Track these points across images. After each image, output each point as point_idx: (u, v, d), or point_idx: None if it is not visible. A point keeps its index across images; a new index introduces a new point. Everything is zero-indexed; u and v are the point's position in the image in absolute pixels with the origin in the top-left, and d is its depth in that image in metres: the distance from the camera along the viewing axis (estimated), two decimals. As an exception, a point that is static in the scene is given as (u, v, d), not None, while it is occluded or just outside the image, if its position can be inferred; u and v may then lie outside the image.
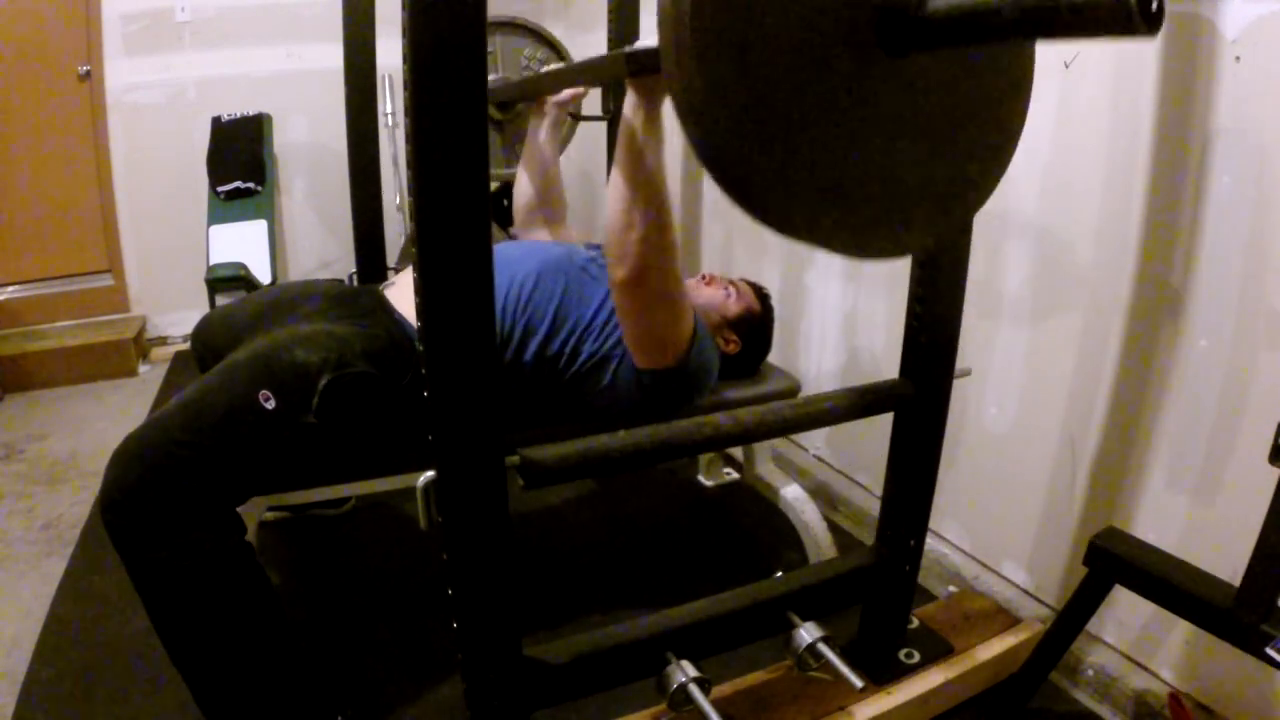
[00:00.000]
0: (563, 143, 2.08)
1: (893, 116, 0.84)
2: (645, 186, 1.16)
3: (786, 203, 0.78)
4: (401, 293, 1.42)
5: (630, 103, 1.15)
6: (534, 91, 1.76)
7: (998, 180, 0.97)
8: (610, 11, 2.09)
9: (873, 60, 0.80)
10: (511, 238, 2.31)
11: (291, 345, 1.22)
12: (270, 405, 1.15)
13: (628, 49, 1.15)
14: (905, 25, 0.78)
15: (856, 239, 0.86)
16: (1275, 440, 0.89)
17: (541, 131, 1.71)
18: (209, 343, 1.49)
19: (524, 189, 1.77)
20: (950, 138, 0.90)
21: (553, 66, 1.74)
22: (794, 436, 2.24)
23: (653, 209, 1.16)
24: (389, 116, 2.94)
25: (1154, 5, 0.61)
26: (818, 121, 0.78)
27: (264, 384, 1.16)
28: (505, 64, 2.18)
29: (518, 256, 1.43)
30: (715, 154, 0.74)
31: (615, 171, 1.18)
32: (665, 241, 1.20)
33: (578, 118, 2.26)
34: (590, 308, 1.38)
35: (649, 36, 1.08)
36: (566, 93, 1.66)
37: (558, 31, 3.41)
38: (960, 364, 1.25)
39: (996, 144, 0.95)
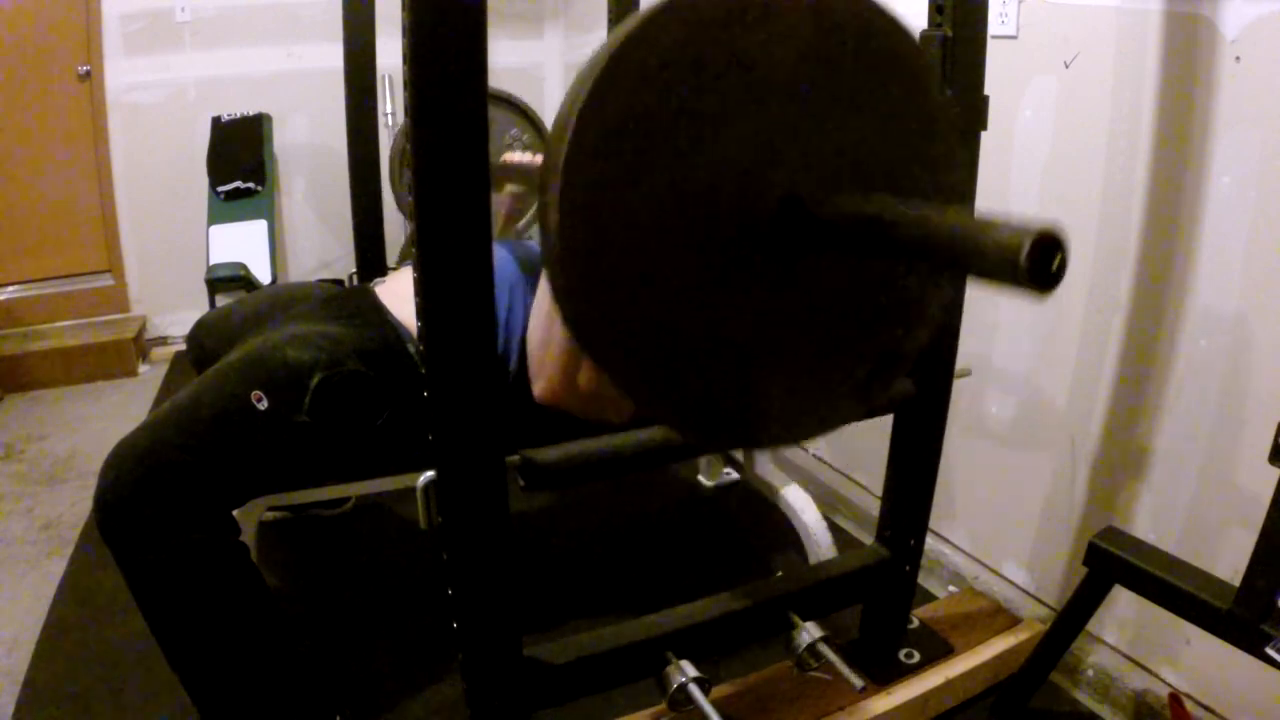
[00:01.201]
0: (521, 233, 2.07)
1: (775, 323, 0.80)
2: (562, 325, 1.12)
3: (639, 384, 0.76)
4: (393, 293, 1.41)
5: None
6: (494, 173, 1.76)
7: (886, 391, 0.92)
8: (610, 12, 2.09)
9: (764, 258, 0.77)
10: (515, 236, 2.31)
11: (283, 345, 1.22)
12: (263, 405, 1.15)
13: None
14: (800, 223, 0.75)
15: (713, 427, 0.83)
16: (1275, 440, 0.89)
17: (499, 215, 1.69)
18: (205, 345, 1.49)
19: None
20: (837, 347, 0.86)
21: (516, 156, 1.73)
22: (794, 436, 2.24)
23: (569, 340, 1.12)
24: (389, 116, 2.94)
25: (1054, 264, 0.59)
26: (686, 311, 0.75)
27: (256, 384, 1.16)
28: (490, 139, 2.20)
29: (516, 257, 1.42)
30: (573, 319, 0.72)
31: (541, 284, 1.17)
32: (579, 365, 1.12)
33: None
34: None
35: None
36: (511, 188, 1.67)
37: (558, 31, 3.41)
38: (960, 364, 1.25)
39: (889, 353, 0.90)
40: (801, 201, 0.75)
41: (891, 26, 0.81)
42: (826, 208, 0.74)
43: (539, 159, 1.66)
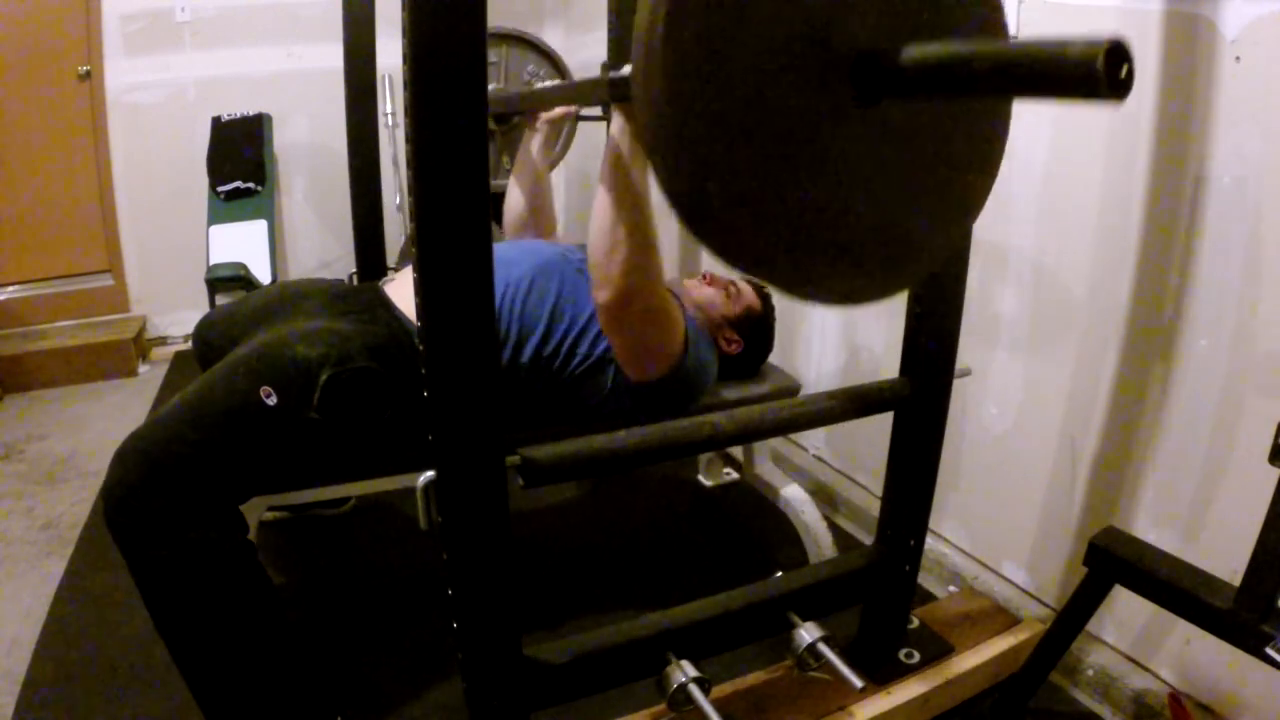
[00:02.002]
0: (557, 159, 2.09)
1: (862, 162, 0.84)
2: (629, 209, 1.15)
3: (745, 241, 0.79)
4: (401, 289, 1.42)
5: (616, 126, 1.15)
6: (526, 106, 1.76)
7: (965, 236, 0.97)
8: (610, 11, 2.09)
9: (845, 105, 0.80)
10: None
11: (292, 341, 1.22)
12: (272, 401, 1.15)
13: (612, 74, 1.15)
14: (879, 74, 0.79)
15: (817, 282, 0.86)
16: (1275, 440, 0.89)
17: (534, 147, 1.72)
18: (211, 341, 1.49)
19: (514, 202, 1.77)
20: (918, 187, 0.90)
21: (547, 84, 1.75)
22: (794, 436, 2.24)
23: (637, 232, 1.16)
24: (389, 116, 2.94)
25: (1123, 72, 0.62)
26: (783, 161, 0.78)
27: (265, 380, 1.16)
28: (508, 77, 2.19)
29: (513, 257, 1.43)
30: (676, 189, 0.73)
31: (599, 194, 1.18)
32: (649, 264, 1.20)
33: (577, 117, 2.26)
34: (586, 308, 1.38)
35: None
36: (558, 110, 1.66)
37: (558, 32, 3.41)
38: (960, 364, 1.25)
39: (963, 201, 0.97)
40: (879, 54, 0.79)
41: None
42: (905, 56, 0.77)
43: (571, 109, 1.67)
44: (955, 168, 0.94)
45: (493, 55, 2.16)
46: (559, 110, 1.67)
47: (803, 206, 0.81)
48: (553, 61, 2.22)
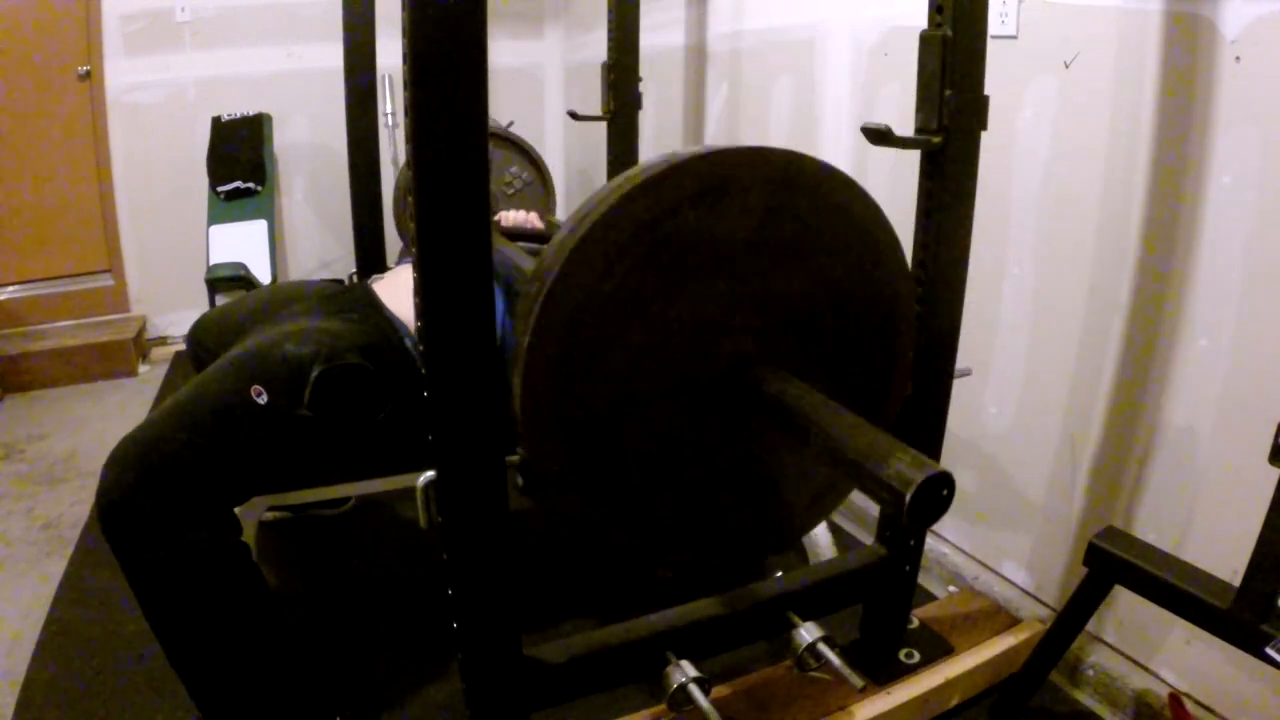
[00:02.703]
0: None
1: (723, 464, 0.93)
2: None
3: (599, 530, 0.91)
4: (391, 289, 1.41)
5: None
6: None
7: (823, 514, 1.11)
8: (610, 12, 2.09)
9: (713, 411, 0.90)
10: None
11: (282, 340, 1.22)
12: (262, 400, 1.15)
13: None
14: (744, 390, 0.87)
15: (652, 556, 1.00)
16: (1275, 440, 0.89)
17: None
18: (204, 343, 1.50)
19: None
20: (780, 482, 1.00)
21: (510, 214, 1.76)
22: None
23: None
24: (389, 116, 2.94)
25: (942, 495, 0.67)
26: (643, 460, 0.87)
27: (255, 379, 1.16)
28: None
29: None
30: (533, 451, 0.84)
31: None
32: None
33: (576, 117, 2.26)
34: None
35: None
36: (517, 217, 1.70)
37: (558, 31, 3.41)
38: (960, 364, 1.25)
39: (824, 486, 1.07)
40: (742, 371, 0.89)
41: (843, 185, 0.92)
42: (767, 384, 0.87)
43: (533, 216, 1.68)
44: (801, 484, 1.04)
45: None
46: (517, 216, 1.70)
47: (638, 479, 0.91)
48: (537, 166, 2.23)
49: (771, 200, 0.86)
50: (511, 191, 2.20)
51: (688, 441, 0.88)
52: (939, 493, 0.67)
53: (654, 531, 0.92)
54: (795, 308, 0.91)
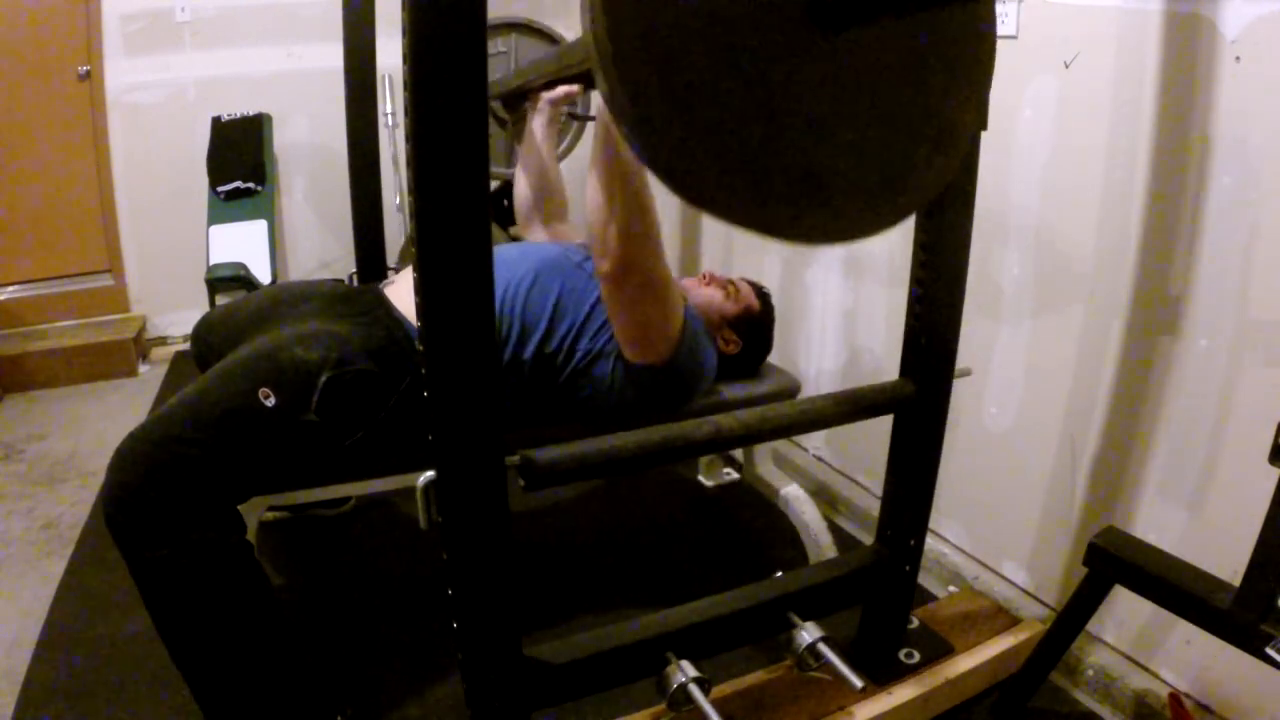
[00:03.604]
0: (564, 150, 2.07)
1: (829, 96, 0.81)
2: (622, 177, 1.15)
3: (705, 179, 0.77)
4: (401, 291, 1.42)
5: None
6: (526, 86, 1.75)
7: (951, 165, 0.93)
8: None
9: (805, 37, 0.77)
10: (512, 238, 2.30)
11: (291, 343, 1.22)
12: (270, 403, 1.15)
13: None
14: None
15: (782, 222, 0.83)
16: (1275, 440, 0.89)
17: (538, 130, 1.71)
18: (209, 342, 1.49)
19: (523, 188, 1.77)
20: (894, 120, 0.86)
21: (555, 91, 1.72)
22: (793, 436, 2.24)
23: (632, 199, 1.16)
24: (389, 116, 2.94)
25: None
26: (741, 99, 0.75)
27: (264, 382, 1.16)
28: (519, 66, 2.18)
29: (515, 258, 1.43)
30: (639, 131, 0.72)
31: (593, 164, 1.18)
32: (647, 232, 1.20)
33: (577, 117, 2.26)
34: (585, 306, 1.38)
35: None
36: (560, 90, 1.66)
37: (559, 28, 3.41)
38: (960, 364, 1.25)
39: (945, 128, 0.92)
40: None
41: None
42: None
43: (574, 88, 1.66)
44: (937, 91, 0.89)
45: (502, 45, 2.14)
46: (561, 90, 1.65)
47: (764, 143, 0.78)
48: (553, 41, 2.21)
49: None
50: None
51: (791, 67, 0.79)
52: None
53: (763, 175, 0.80)
54: None
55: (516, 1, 3.23)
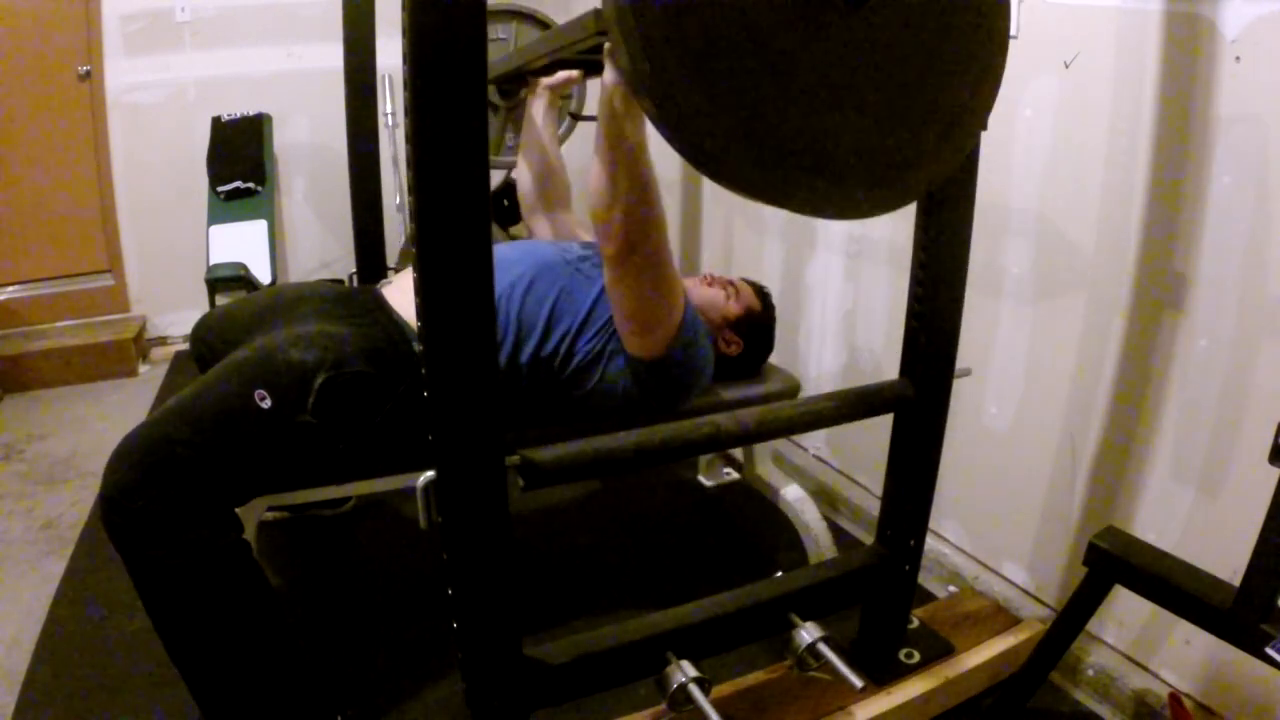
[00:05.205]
0: (564, 133, 2.06)
1: (847, 71, 0.82)
2: (625, 160, 1.14)
3: (728, 152, 0.78)
4: (400, 293, 1.42)
5: (608, 75, 1.14)
6: (524, 70, 1.73)
7: (959, 151, 0.94)
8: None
9: (824, 9, 0.79)
10: (512, 238, 2.30)
11: (288, 345, 1.22)
12: (266, 404, 1.15)
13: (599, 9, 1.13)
14: None
15: (798, 195, 0.85)
16: (1275, 440, 0.89)
17: (538, 115, 1.71)
18: (208, 342, 1.49)
19: (524, 179, 1.76)
20: (909, 98, 0.88)
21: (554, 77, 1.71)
22: (794, 436, 2.24)
23: (635, 178, 1.15)
24: (389, 116, 2.94)
25: None
26: (764, 73, 0.77)
27: (260, 383, 1.16)
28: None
29: (513, 258, 1.43)
30: (659, 100, 0.73)
31: (597, 149, 1.18)
32: (650, 214, 1.19)
33: (577, 117, 2.26)
34: (584, 307, 1.38)
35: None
36: (560, 75, 1.65)
37: (558, 22, 3.40)
38: (960, 364, 1.25)
39: (956, 114, 0.93)
40: None
41: None
42: None
43: (574, 74, 1.65)
44: (951, 76, 0.90)
45: (503, 32, 2.13)
46: (561, 75, 1.64)
47: (781, 116, 0.79)
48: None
49: None
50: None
51: (808, 38, 0.80)
52: None
53: (776, 144, 0.82)
54: None
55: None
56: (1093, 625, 1.29)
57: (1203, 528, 1.25)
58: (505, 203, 2.63)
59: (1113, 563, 1.13)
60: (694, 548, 1.91)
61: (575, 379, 1.38)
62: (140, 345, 3.10)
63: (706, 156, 0.77)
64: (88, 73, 2.97)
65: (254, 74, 3.11)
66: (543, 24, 2.18)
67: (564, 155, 1.79)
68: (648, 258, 1.24)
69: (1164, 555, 1.12)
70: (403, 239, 2.86)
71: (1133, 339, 1.33)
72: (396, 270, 2.59)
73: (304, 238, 3.37)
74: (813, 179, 0.84)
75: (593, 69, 1.63)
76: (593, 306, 1.38)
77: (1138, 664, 1.37)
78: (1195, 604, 1.04)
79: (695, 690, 1.06)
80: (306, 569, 1.82)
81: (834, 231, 2.00)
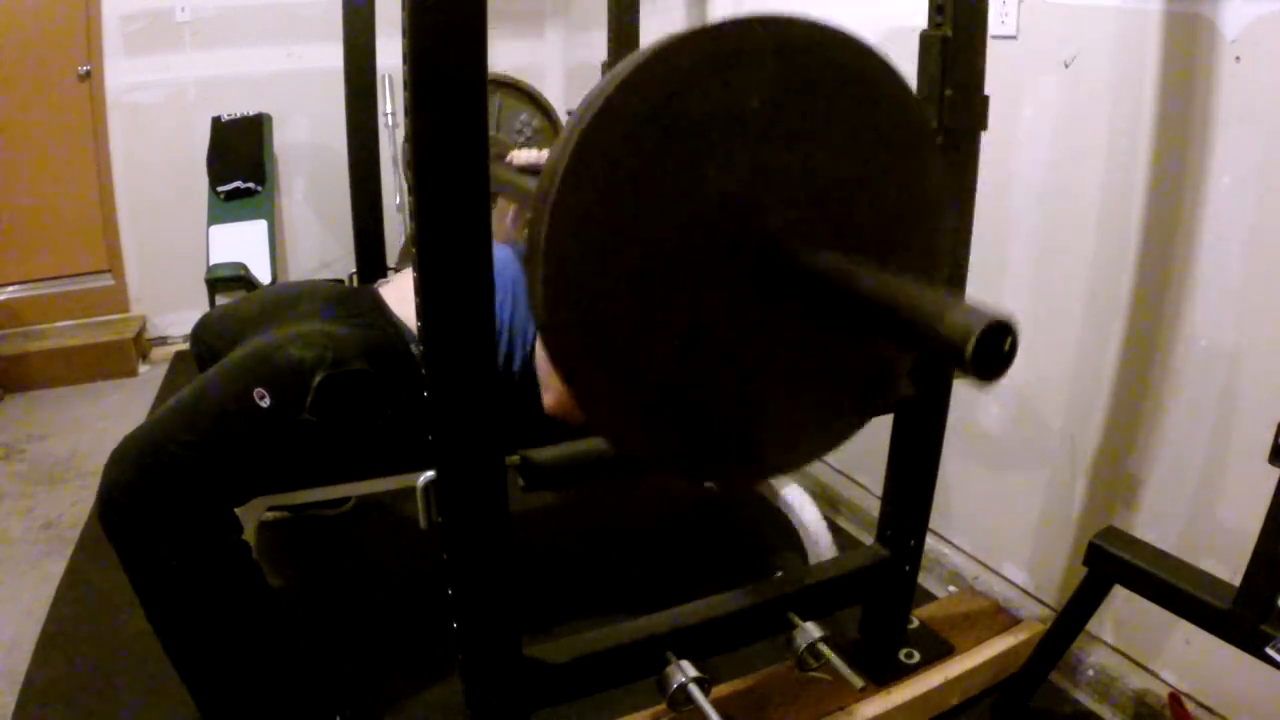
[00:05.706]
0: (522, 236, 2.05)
1: (757, 353, 0.84)
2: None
3: (633, 437, 0.82)
4: (398, 293, 1.41)
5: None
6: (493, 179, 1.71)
7: (863, 421, 0.97)
8: (610, 11, 2.09)
9: (747, 298, 0.81)
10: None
11: (286, 343, 1.22)
12: (265, 403, 1.15)
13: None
14: (779, 270, 0.80)
15: (669, 459, 0.88)
16: (1275, 440, 0.89)
17: (507, 220, 1.64)
18: (208, 342, 1.49)
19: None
20: (815, 377, 0.90)
21: (521, 153, 1.70)
22: (794, 436, 2.24)
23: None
24: (389, 116, 2.94)
25: (1005, 346, 0.60)
26: (672, 358, 0.79)
27: (259, 382, 1.16)
28: (500, 126, 2.18)
29: (506, 259, 1.42)
30: (556, 353, 0.75)
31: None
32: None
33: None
34: None
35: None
36: (524, 216, 1.64)
37: (557, 31, 3.41)
38: (960, 364, 1.24)
39: (861, 386, 0.95)
40: (777, 248, 0.80)
41: (852, 47, 0.84)
42: (800, 257, 0.79)
43: (544, 154, 1.64)
44: (846, 375, 0.93)
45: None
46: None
47: (671, 385, 0.81)
48: (547, 114, 2.21)
49: (786, 66, 0.78)
50: (522, 140, 2.17)
51: (726, 333, 0.82)
52: (1001, 344, 0.61)
53: (695, 433, 0.86)
54: (827, 190, 0.84)
55: (509, 17, 3.24)
56: (1093, 625, 1.29)
57: (1203, 528, 1.25)
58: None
59: (1113, 563, 1.13)
60: (694, 547, 1.91)
61: None
62: (140, 345, 3.10)
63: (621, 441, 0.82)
64: (88, 73, 2.97)
65: (254, 74, 3.11)
66: (529, 97, 2.18)
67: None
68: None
69: (1164, 555, 1.12)
70: (403, 239, 2.86)
71: (1132, 339, 1.33)
72: (397, 269, 2.59)
73: (304, 238, 3.36)
74: (731, 462, 0.89)
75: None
76: None
77: (1138, 664, 1.37)
78: (1195, 604, 1.04)
79: (695, 690, 1.06)
80: (306, 569, 1.82)
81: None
